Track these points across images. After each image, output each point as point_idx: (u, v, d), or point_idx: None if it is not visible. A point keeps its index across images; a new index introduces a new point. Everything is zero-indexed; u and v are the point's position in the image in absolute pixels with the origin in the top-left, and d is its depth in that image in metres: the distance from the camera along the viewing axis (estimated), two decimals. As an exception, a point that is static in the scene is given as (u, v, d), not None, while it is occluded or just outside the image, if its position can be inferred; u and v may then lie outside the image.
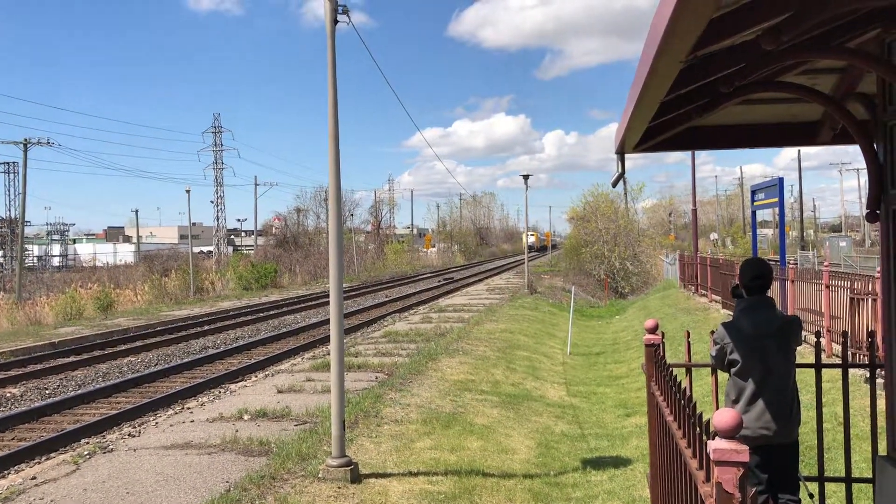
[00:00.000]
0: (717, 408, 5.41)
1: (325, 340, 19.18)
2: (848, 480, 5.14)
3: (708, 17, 2.34)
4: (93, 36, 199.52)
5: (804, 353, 7.67)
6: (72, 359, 18.20)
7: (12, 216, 64.13)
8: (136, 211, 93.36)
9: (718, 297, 20.71)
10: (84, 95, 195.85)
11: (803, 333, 5.60)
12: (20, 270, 43.12)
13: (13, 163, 63.19)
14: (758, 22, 3.01)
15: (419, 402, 10.65)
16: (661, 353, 4.86)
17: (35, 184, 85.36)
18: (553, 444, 9.46)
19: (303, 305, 31.44)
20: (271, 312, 28.57)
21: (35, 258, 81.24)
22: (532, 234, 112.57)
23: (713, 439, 2.42)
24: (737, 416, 2.30)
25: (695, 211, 35.52)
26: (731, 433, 2.30)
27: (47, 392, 14.50)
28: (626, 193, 53.25)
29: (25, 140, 42.62)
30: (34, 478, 7.59)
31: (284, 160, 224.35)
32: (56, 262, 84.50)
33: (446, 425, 9.46)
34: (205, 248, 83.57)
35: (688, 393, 3.43)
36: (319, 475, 7.12)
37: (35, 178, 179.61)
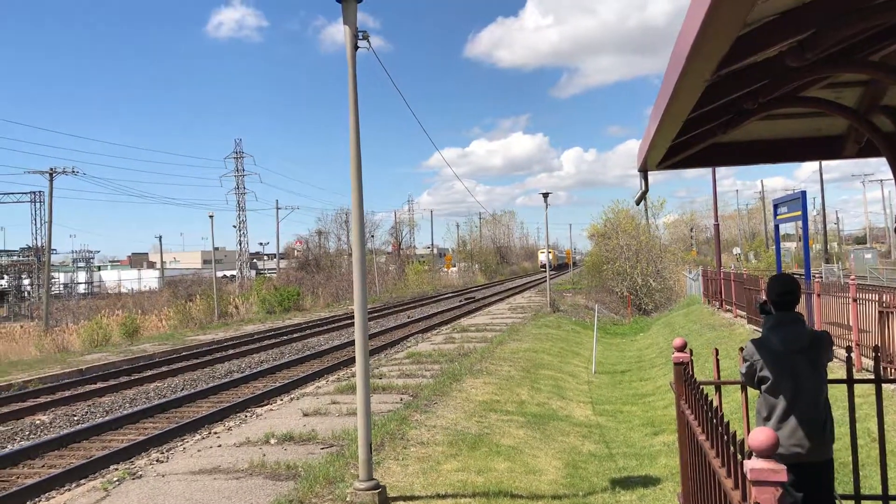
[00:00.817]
0: (748, 425, 5.35)
1: (349, 362, 19.21)
2: (885, 498, 5.05)
3: (734, 36, 2.35)
4: (115, 66, 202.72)
5: (833, 369, 7.58)
6: (99, 385, 18.35)
7: (39, 244, 64.96)
8: (160, 237, 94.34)
9: (743, 313, 20.51)
10: (107, 124, 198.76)
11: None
12: (47, 298, 43.62)
13: (39, 192, 64.05)
14: (782, 39, 3.02)
15: (445, 423, 10.62)
16: (691, 372, 4.82)
17: (60, 212, 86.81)
18: (581, 464, 9.38)
19: (326, 328, 31.52)
20: (295, 335, 28.67)
21: (61, 286, 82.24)
22: (548, 252, 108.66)
23: (748, 458, 2.40)
24: (773, 436, 2.29)
25: (717, 226, 35.30)
26: (768, 452, 2.28)
27: (76, 419, 14.62)
28: (646, 209, 53.01)
29: (51, 169, 43.28)
30: (65, 505, 7.64)
31: (305, 184, 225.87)
32: (82, 289, 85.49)
33: (473, 447, 9.41)
34: (228, 273, 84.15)
35: (720, 412, 3.40)
36: (347, 499, 7.11)
37: (60, 207, 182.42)
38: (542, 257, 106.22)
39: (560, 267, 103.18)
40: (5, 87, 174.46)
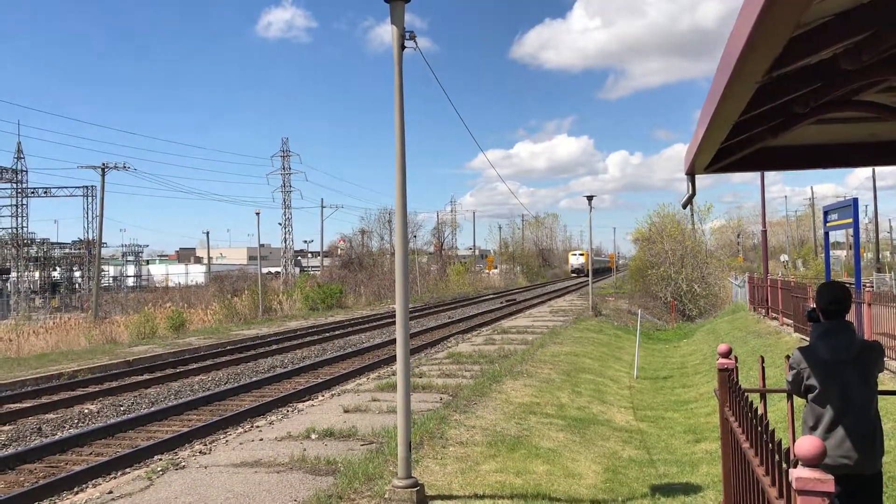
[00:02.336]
0: (793, 434, 5.25)
1: (390, 361, 19.31)
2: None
3: (787, 37, 2.31)
4: (166, 63, 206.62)
5: (884, 381, 7.40)
6: (146, 376, 18.73)
7: (90, 238, 66.51)
8: (207, 233, 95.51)
9: (790, 321, 20.12)
10: (158, 121, 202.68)
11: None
12: (97, 290, 44.63)
13: (91, 186, 65.57)
14: (838, 40, 2.96)
15: (484, 424, 10.61)
16: (736, 379, 4.75)
17: (111, 207, 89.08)
18: (621, 470, 9.29)
19: (367, 326, 31.72)
20: (336, 332, 28.91)
21: (111, 278, 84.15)
22: (580, 254, 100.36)
23: (794, 467, 2.36)
24: (820, 445, 2.24)
25: (764, 232, 34.68)
26: (815, 461, 2.24)
27: (122, 409, 14.94)
28: (692, 214, 52.33)
29: (103, 165, 44.25)
30: (111, 492, 7.81)
31: (350, 183, 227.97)
32: (130, 282, 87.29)
33: (511, 448, 9.39)
34: (273, 269, 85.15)
35: (765, 419, 3.35)
36: (386, 496, 7.14)
37: (111, 202, 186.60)
38: (574, 260, 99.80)
39: (597, 272, 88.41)
40: (61, 85, 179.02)
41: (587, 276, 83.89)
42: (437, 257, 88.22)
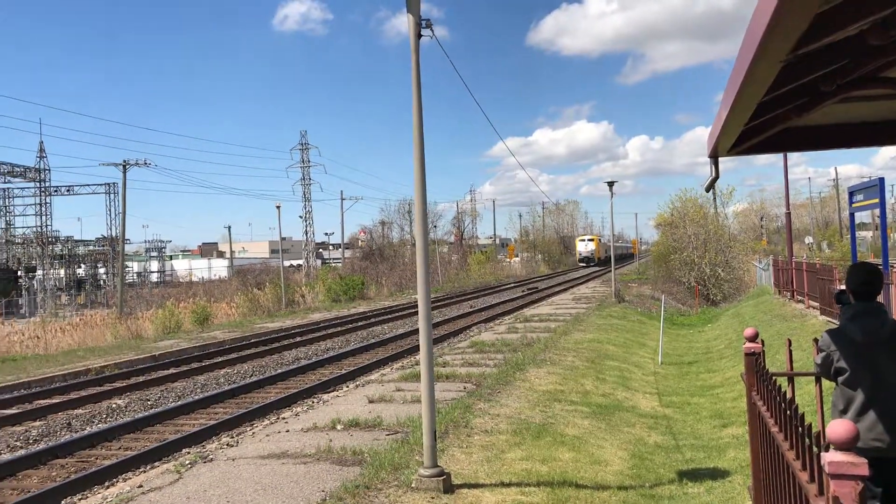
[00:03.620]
0: (822, 418, 5.19)
1: (413, 351, 19.35)
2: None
3: (813, 13, 2.26)
4: (184, 59, 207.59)
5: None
6: (171, 371, 18.92)
7: (113, 234, 67.19)
8: (229, 227, 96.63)
9: (816, 304, 19.91)
10: (178, 117, 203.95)
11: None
12: (122, 286, 45.10)
13: (113, 183, 66.16)
14: (864, 16, 2.89)
15: (508, 412, 10.60)
16: (762, 362, 4.70)
17: (133, 203, 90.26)
18: (647, 456, 9.26)
19: (390, 316, 31.81)
20: (359, 324, 29.03)
21: (135, 274, 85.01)
22: (589, 239, 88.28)
23: (826, 451, 2.32)
24: (853, 428, 2.21)
25: (788, 214, 34.30)
26: (848, 445, 2.20)
27: (149, 403, 15.10)
28: (715, 198, 51.86)
29: (124, 162, 44.64)
30: (140, 486, 7.89)
31: (369, 174, 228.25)
32: (154, 277, 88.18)
33: (537, 436, 9.38)
34: (294, 262, 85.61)
35: (794, 403, 3.30)
36: (412, 485, 7.17)
37: (133, 198, 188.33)
38: (583, 247, 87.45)
39: (619, 259, 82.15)
40: (81, 83, 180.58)
41: (597, 265, 78.84)
42: (458, 247, 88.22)
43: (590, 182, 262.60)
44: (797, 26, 2.36)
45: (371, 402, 11.84)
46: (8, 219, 65.20)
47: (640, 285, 47.55)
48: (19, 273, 64.55)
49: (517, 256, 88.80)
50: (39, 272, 64.86)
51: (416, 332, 19.27)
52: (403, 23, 7.57)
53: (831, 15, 2.82)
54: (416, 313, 7.79)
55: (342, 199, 79.56)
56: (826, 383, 4.95)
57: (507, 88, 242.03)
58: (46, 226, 64.61)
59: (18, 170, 62.65)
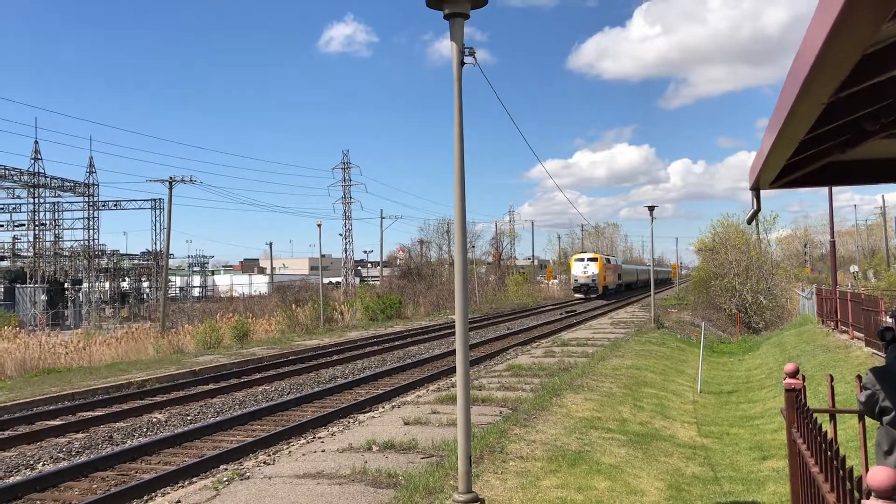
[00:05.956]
0: (865, 458, 5.10)
1: (449, 372, 19.34)
2: None
3: (856, 60, 2.28)
4: (233, 82, 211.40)
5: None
6: (211, 386, 19.16)
7: (157, 249, 68.44)
8: (270, 244, 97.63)
9: (861, 335, 19.49)
10: (223, 135, 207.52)
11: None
12: (164, 301, 45.84)
13: (159, 199, 67.46)
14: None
15: (544, 438, 10.55)
16: (803, 399, 4.65)
17: (178, 219, 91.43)
18: (684, 487, 9.13)
19: (426, 336, 31.85)
20: (396, 343, 29.10)
21: (177, 289, 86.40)
22: (590, 259, 64.98)
23: (867, 498, 2.31)
24: (894, 476, 2.19)
25: (833, 242, 33.73)
26: (889, 494, 2.18)
27: (189, 418, 15.30)
28: (757, 224, 51.16)
29: (170, 178, 45.48)
30: (178, 501, 8.01)
31: (409, 194, 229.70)
32: (196, 292, 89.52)
33: (572, 464, 9.32)
34: (333, 279, 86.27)
35: (835, 444, 3.27)
36: (447, 510, 7.17)
37: (178, 214, 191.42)
38: (579, 269, 63.70)
39: (619, 290, 71.46)
40: (130, 102, 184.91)
41: (600, 296, 59.70)
42: (496, 267, 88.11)
43: (630, 205, 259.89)
44: (840, 72, 2.37)
45: (406, 423, 11.86)
46: (57, 232, 66.75)
47: (679, 311, 46.96)
48: (66, 285, 66.01)
49: (555, 278, 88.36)
50: (85, 285, 66.27)
51: (453, 353, 19.28)
52: (446, 46, 7.67)
53: (875, 58, 2.82)
54: (453, 334, 7.82)
55: (381, 218, 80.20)
56: (870, 421, 4.86)
57: (547, 110, 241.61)
58: (93, 239, 66.08)
59: (69, 184, 64.24)
